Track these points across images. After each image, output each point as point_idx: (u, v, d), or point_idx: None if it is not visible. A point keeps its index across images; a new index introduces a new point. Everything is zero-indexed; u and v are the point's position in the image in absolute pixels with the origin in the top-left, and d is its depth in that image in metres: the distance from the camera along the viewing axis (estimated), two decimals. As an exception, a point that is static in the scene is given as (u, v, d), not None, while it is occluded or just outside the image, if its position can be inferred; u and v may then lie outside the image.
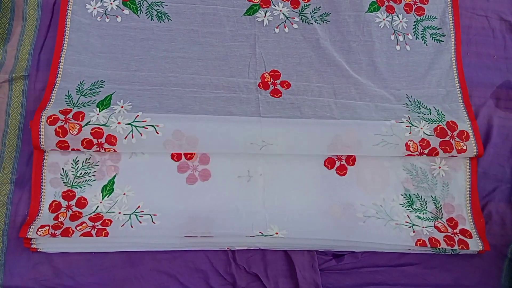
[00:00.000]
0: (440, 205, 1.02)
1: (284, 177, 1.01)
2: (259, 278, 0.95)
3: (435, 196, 1.02)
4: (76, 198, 0.97)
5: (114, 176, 0.99)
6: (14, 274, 0.92)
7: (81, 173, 0.98)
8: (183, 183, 1.00)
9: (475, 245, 0.97)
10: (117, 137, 0.94)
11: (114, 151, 0.96)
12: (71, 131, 0.93)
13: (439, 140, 1.01)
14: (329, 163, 1.02)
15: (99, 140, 0.94)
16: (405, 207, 1.01)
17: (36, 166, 0.97)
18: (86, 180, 0.98)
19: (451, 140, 1.01)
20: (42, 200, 0.96)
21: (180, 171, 1.00)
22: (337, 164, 1.03)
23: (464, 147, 1.01)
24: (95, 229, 0.92)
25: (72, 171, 0.98)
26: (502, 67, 1.14)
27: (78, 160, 0.98)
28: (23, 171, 0.98)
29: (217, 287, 0.95)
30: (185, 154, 1.00)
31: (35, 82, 1.04)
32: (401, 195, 1.02)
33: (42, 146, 0.94)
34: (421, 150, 0.99)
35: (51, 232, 0.91)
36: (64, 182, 0.97)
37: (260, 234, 0.94)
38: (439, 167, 1.03)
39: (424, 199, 1.02)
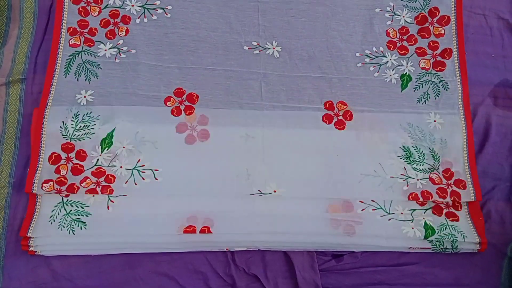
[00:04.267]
0: (438, 157, 1.03)
1: (284, 137, 1.02)
2: (258, 279, 0.95)
3: (433, 149, 1.04)
4: (75, 150, 0.98)
5: (113, 130, 0.99)
6: (12, 277, 0.92)
7: (80, 126, 0.99)
8: (182, 143, 1.00)
9: (467, 196, 0.98)
10: (131, 17, 1.08)
11: (127, 30, 1.07)
12: (92, 12, 1.07)
13: (418, 27, 1.11)
14: (327, 118, 1.04)
15: (116, 20, 1.07)
16: (403, 159, 1.03)
17: (36, 118, 0.98)
18: (85, 133, 0.99)
19: (429, 26, 1.10)
20: (41, 151, 0.96)
21: (178, 131, 1.01)
22: (335, 119, 1.05)
23: (443, 32, 1.10)
24: (100, 186, 0.94)
25: (72, 125, 0.99)
26: (499, 66, 1.14)
27: (78, 114, 0.99)
28: (21, 174, 0.98)
29: (217, 288, 0.95)
30: (185, 109, 1.02)
31: (32, 85, 1.04)
32: (400, 147, 1.04)
33: (63, 22, 1.05)
34: (400, 37, 1.09)
35: (56, 188, 0.92)
36: (63, 135, 0.98)
37: (259, 192, 0.96)
38: (434, 121, 1.05)
39: (422, 151, 1.04)
